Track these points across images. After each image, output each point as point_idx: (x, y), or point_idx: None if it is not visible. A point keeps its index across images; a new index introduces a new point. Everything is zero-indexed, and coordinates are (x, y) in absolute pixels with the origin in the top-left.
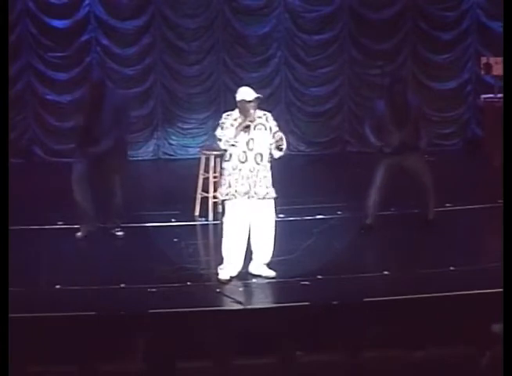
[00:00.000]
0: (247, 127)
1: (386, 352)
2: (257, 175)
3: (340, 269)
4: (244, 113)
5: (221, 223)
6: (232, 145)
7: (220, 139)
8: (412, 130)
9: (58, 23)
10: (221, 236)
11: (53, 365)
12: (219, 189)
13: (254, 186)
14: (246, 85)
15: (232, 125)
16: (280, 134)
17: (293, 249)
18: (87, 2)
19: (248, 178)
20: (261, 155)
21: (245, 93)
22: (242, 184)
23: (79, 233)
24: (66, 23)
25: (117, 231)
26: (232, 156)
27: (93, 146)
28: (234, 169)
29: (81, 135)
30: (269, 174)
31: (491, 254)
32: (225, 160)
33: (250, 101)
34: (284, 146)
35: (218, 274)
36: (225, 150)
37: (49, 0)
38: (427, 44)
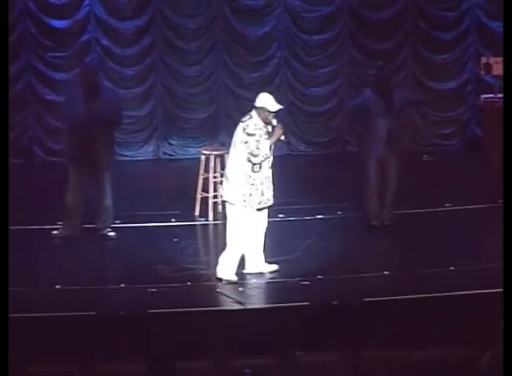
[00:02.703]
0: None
1: (386, 352)
2: (272, 179)
3: (340, 269)
4: (265, 120)
5: (230, 226)
6: (267, 158)
7: (255, 156)
8: (397, 120)
9: (58, 23)
10: (230, 239)
11: (53, 365)
12: (250, 198)
13: (273, 189)
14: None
15: (261, 136)
16: None
17: (293, 249)
18: (87, 2)
19: (272, 182)
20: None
21: (268, 102)
22: (268, 190)
23: (56, 232)
24: (66, 23)
25: (109, 232)
26: (263, 165)
27: (91, 143)
28: (266, 178)
29: (74, 135)
30: None
31: (491, 254)
32: (255, 172)
33: (272, 112)
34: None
35: (223, 277)
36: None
37: (49, 0)
38: (427, 44)
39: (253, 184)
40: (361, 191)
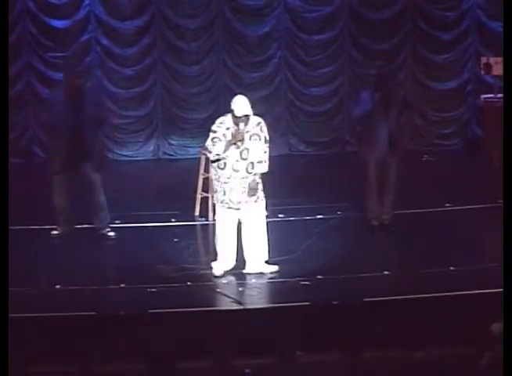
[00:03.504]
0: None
1: (386, 352)
2: (246, 183)
3: (340, 269)
4: (234, 122)
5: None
6: (222, 158)
7: (210, 152)
8: (398, 121)
9: (58, 23)
10: (215, 235)
11: (53, 365)
12: (215, 195)
13: (245, 193)
14: (242, 93)
15: (224, 136)
16: (264, 157)
17: (293, 249)
18: (87, 2)
19: (241, 186)
20: (253, 164)
21: (236, 106)
22: (236, 193)
23: (55, 232)
24: (66, 23)
25: (108, 231)
26: (227, 164)
27: (76, 144)
28: (229, 178)
29: (61, 134)
30: (260, 180)
31: (491, 254)
32: (220, 168)
33: (238, 117)
34: (265, 167)
35: (212, 270)
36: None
37: (49, 0)
38: (427, 44)
39: (218, 181)
40: (361, 191)
